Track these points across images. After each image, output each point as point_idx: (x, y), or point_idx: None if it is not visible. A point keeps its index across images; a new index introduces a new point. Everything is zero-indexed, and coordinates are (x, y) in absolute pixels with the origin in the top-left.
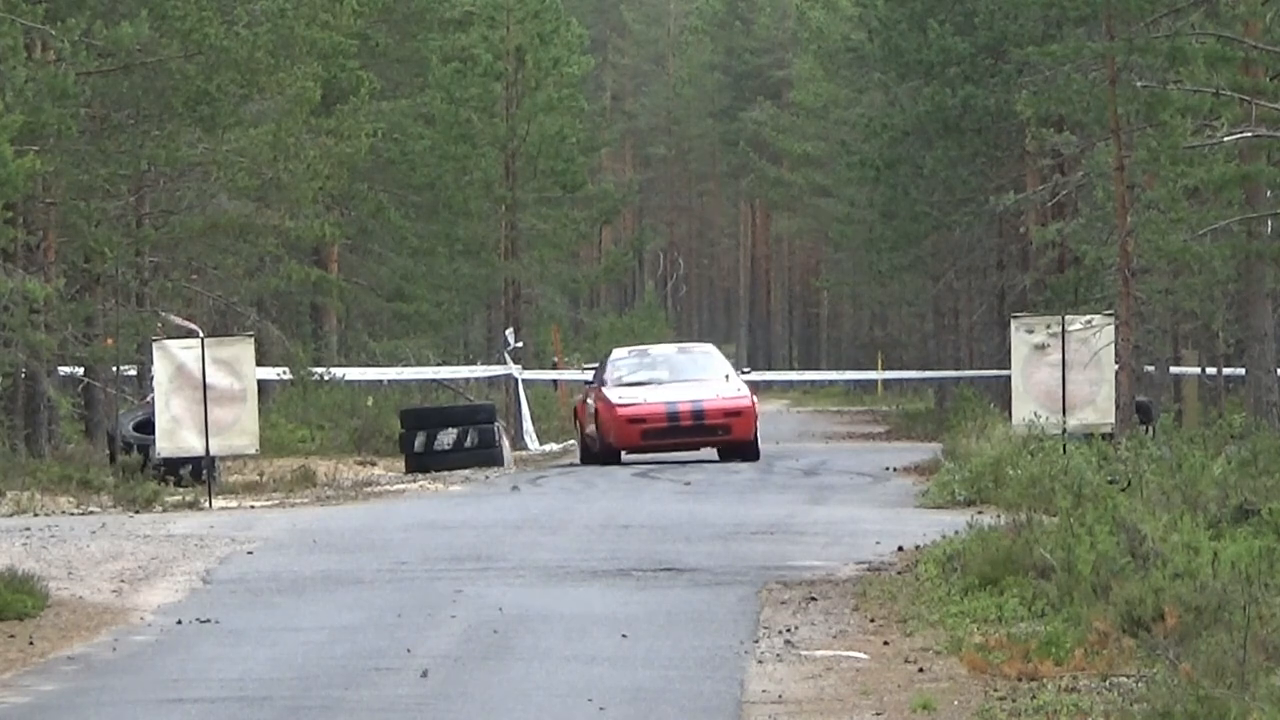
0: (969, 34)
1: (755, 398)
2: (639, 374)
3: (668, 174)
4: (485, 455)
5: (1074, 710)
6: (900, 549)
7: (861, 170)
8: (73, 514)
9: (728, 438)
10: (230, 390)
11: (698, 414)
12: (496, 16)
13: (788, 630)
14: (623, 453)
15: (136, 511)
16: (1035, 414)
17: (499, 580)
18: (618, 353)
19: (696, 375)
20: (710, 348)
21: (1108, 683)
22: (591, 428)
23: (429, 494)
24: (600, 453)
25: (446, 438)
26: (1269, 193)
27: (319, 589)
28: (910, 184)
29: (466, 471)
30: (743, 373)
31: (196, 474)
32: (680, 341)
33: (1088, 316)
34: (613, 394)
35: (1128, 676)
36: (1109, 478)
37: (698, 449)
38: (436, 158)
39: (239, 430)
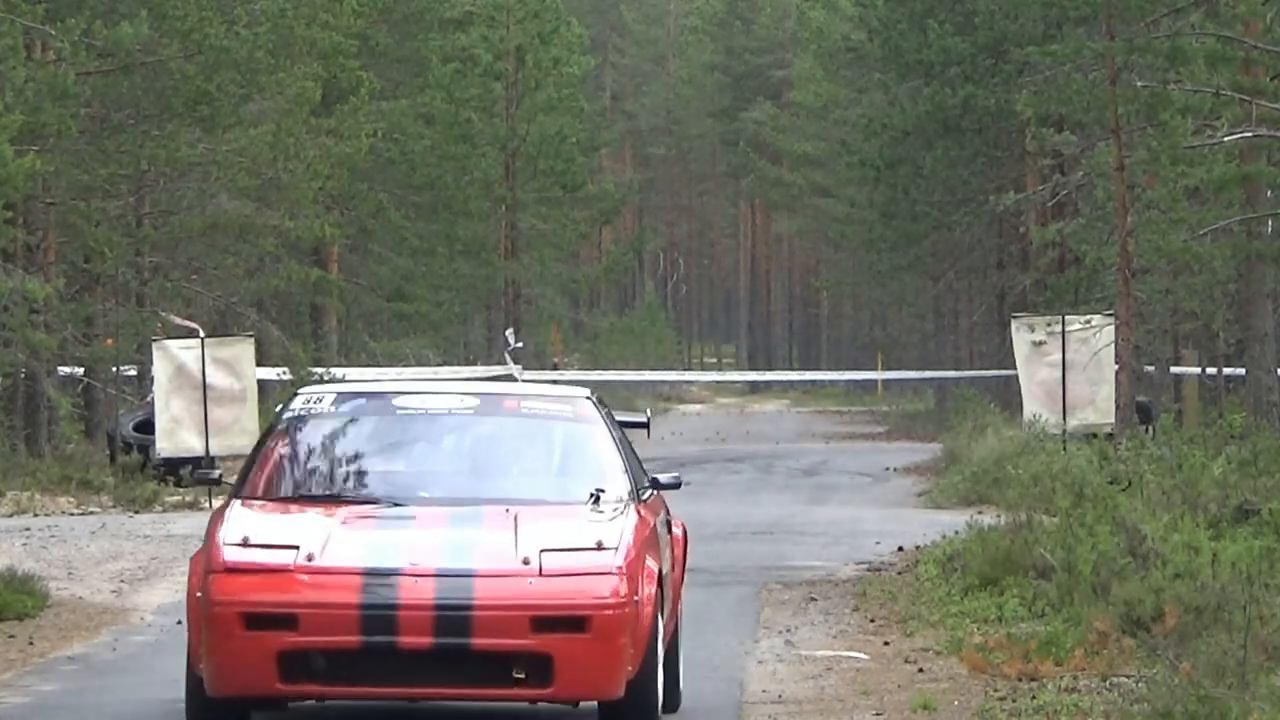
0: (969, 34)
1: (671, 555)
2: (355, 467)
3: (668, 174)
4: None
5: (1074, 710)
6: (900, 549)
7: (861, 170)
8: (73, 514)
9: (541, 691)
10: (230, 390)
11: (451, 616)
12: (496, 16)
13: (788, 630)
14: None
15: (136, 511)
16: (1036, 414)
17: None
18: (305, 398)
19: (515, 489)
20: (578, 399)
21: (1108, 683)
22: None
23: None
24: (188, 703)
25: None
26: (1269, 193)
27: None
28: (910, 184)
29: None
30: (653, 483)
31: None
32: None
33: (1088, 316)
34: (229, 533)
35: (1128, 676)
36: (1109, 478)
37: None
38: (436, 158)
39: (239, 430)
